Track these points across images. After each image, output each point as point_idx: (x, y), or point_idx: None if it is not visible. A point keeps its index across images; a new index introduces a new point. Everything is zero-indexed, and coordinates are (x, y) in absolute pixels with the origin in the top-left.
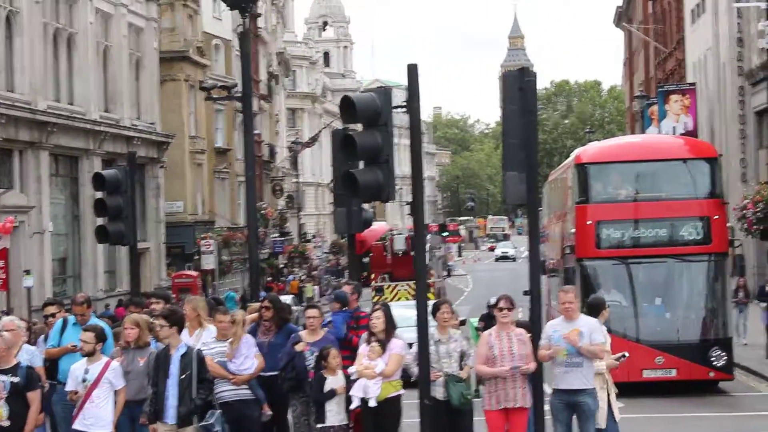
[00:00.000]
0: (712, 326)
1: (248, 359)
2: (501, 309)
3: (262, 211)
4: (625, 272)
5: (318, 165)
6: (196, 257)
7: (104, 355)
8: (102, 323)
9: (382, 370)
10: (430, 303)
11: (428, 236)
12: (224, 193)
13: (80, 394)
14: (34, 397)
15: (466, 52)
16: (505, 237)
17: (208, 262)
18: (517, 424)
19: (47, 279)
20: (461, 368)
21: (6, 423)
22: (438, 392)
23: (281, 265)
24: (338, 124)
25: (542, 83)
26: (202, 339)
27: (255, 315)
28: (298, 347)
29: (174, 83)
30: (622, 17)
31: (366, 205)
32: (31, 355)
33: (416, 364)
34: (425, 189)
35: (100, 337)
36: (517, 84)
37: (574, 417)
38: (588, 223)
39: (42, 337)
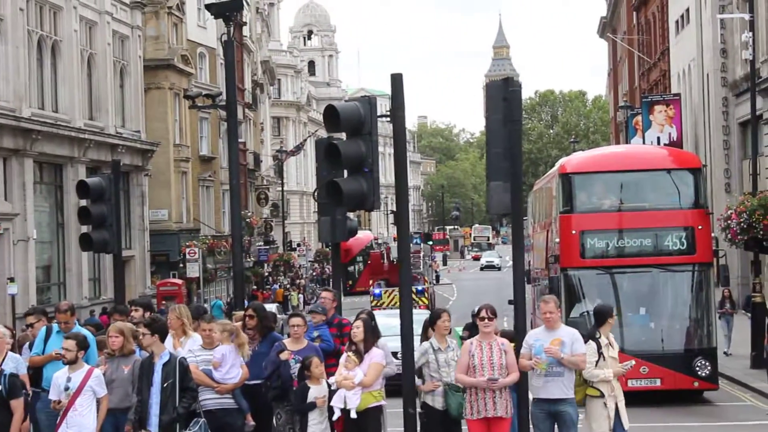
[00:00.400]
0: (696, 336)
1: (234, 368)
2: (482, 318)
3: (247, 220)
4: (610, 282)
5: (303, 174)
6: (181, 265)
7: (89, 363)
8: (85, 331)
9: (361, 380)
10: (419, 311)
11: (422, 245)
12: (209, 201)
13: (63, 403)
14: (17, 405)
15: (452, 62)
16: (490, 246)
17: (193, 271)
18: None
19: (31, 287)
20: None
21: None
22: (437, 402)
23: (266, 274)
24: (323, 133)
25: (527, 93)
26: (188, 347)
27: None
28: (283, 356)
29: (159, 91)
30: (607, 28)
31: (351, 214)
32: (17, 363)
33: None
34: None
35: (82, 345)
36: (501, 94)
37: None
38: (572, 232)
39: (27, 344)
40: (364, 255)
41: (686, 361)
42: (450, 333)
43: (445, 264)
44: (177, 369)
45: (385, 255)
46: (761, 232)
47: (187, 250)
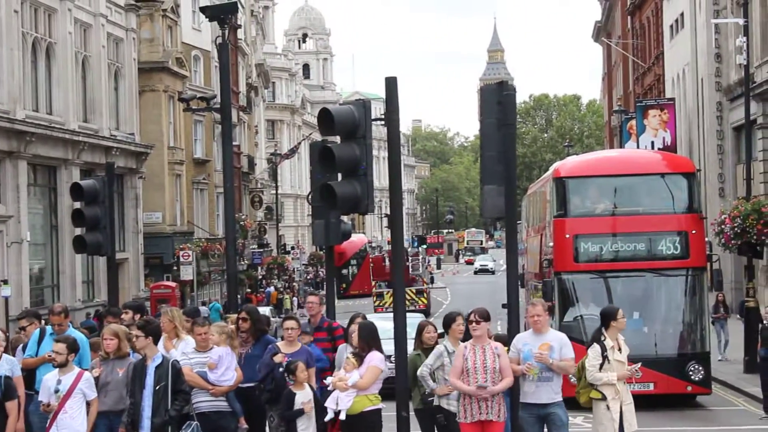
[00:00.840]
0: (689, 340)
1: (229, 370)
2: (471, 322)
3: (241, 223)
4: (603, 286)
5: (297, 177)
6: (175, 268)
7: (82, 365)
8: (79, 334)
9: (356, 382)
10: (412, 315)
11: (420, 248)
12: (203, 204)
13: (53, 406)
14: (11, 406)
15: (447, 65)
16: (483, 250)
17: (187, 273)
18: None
19: (25, 289)
20: None
21: None
22: (452, 405)
23: (260, 277)
24: (317, 136)
25: (522, 97)
26: (180, 349)
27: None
28: (277, 359)
29: (153, 94)
30: (601, 32)
31: (345, 217)
32: (12, 365)
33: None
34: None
35: (72, 348)
36: (496, 97)
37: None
38: (566, 236)
39: (20, 346)
40: (358, 258)
41: (679, 366)
42: (443, 336)
43: (439, 267)
44: (170, 372)
45: (387, 258)
46: (755, 237)
47: (181, 252)
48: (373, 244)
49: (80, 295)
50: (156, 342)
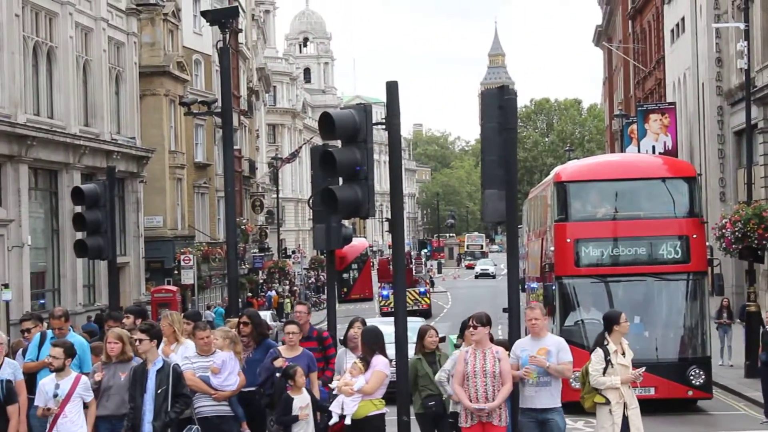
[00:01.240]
0: (690, 345)
1: (232, 375)
2: (469, 327)
3: (242, 227)
4: (604, 290)
5: (298, 181)
6: (176, 272)
7: (83, 369)
8: (79, 338)
9: (361, 387)
10: (413, 319)
11: (423, 252)
12: (204, 208)
13: (53, 410)
14: (13, 410)
15: (448, 69)
16: (483, 254)
17: (188, 277)
18: None
19: (26, 293)
20: None
21: None
22: None
23: (261, 281)
24: (318, 140)
25: (522, 101)
26: (180, 353)
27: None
28: (277, 363)
29: (154, 98)
30: (602, 36)
31: (346, 222)
32: (14, 369)
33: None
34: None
35: (69, 352)
36: (497, 102)
37: None
38: (567, 241)
39: (21, 350)
40: (359, 262)
41: (680, 370)
42: (444, 340)
43: (440, 272)
44: (170, 376)
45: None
46: (756, 242)
47: (182, 256)
48: (374, 249)
49: (81, 300)
50: (158, 346)
